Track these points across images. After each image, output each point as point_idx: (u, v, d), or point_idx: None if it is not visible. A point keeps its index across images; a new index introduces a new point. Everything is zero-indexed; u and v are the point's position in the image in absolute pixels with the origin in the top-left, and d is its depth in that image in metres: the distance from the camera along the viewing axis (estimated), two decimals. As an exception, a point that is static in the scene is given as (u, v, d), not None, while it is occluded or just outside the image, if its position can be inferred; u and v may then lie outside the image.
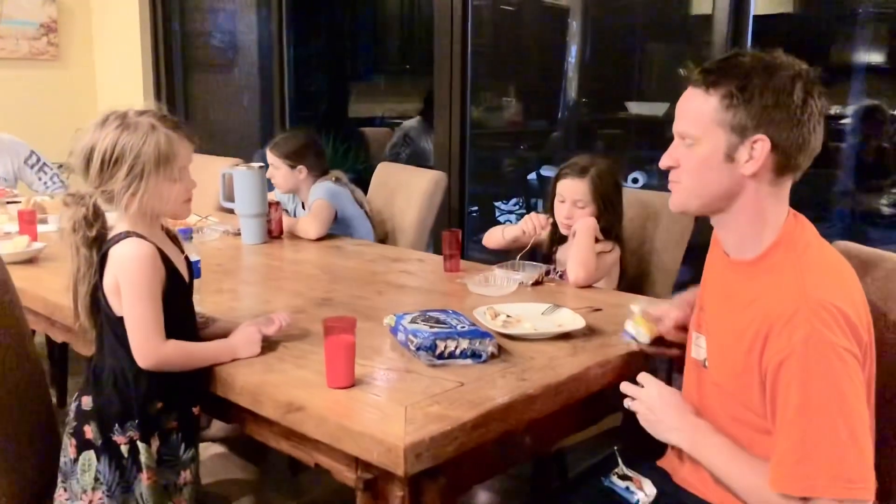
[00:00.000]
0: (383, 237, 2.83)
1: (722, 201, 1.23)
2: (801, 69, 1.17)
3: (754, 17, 2.52)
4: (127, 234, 1.33)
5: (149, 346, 1.32)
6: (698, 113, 1.20)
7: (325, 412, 1.20)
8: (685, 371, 1.42)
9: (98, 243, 1.37)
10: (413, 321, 1.46)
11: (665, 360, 1.55)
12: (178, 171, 1.35)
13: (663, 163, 1.27)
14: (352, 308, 1.73)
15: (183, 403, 1.39)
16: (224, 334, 1.46)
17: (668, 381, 1.51)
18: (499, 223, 4.76)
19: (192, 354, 1.37)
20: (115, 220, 1.38)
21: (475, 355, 1.39)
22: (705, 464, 1.26)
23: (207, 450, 1.73)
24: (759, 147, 1.17)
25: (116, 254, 1.32)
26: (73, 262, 1.38)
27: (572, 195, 2.05)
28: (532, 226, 2.12)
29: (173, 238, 1.46)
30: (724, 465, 1.23)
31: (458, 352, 1.38)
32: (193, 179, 1.41)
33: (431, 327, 1.43)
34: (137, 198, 1.31)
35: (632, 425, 1.52)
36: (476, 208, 4.37)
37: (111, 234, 1.36)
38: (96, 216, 1.36)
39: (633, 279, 2.17)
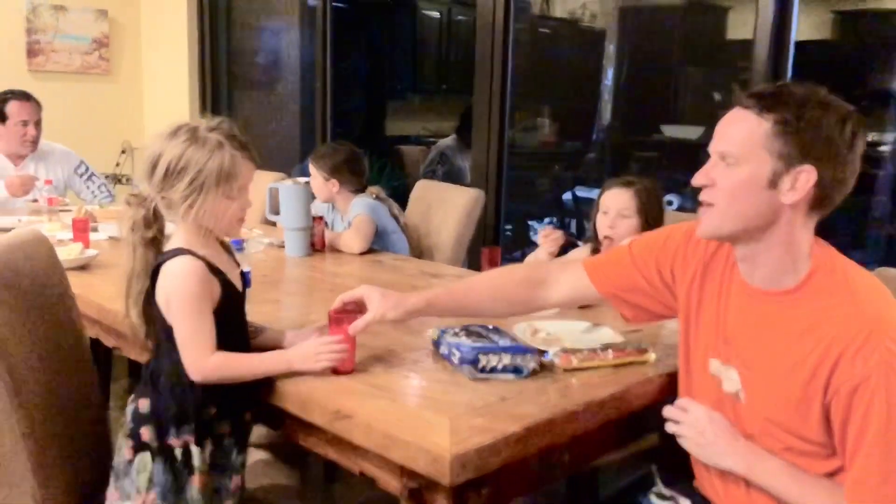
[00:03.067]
0: (419, 253, 2.87)
1: (756, 229, 1.22)
2: (851, 109, 1.18)
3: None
4: (179, 252, 1.37)
5: (199, 361, 1.35)
6: (746, 134, 1.19)
7: (373, 421, 1.23)
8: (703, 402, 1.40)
9: (155, 246, 1.41)
10: (456, 335, 1.49)
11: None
12: (236, 191, 1.39)
13: (697, 180, 1.25)
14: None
15: (236, 409, 1.42)
16: (273, 343, 1.50)
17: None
18: (532, 242, 4.79)
19: (241, 366, 1.38)
20: (173, 232, 1.42)
21: (517, 370, 1.41)
22: (765, 486, 1.25)
23: (251, 455, 1.77)
24: (804, 178, 1.17)
25: (167, 271, 1.36)
26: (129, 260, 1.41)
27: (616, 205, 2.03)
28: (550, 241, 2.11)
29: (227, 249, 1.51)
30: (786, 487, 1.22)
31: (500, 366, 1.40)
32: (250, 199, 1.44)
33: (474, 342, 1.46)
34: (194, 210, 1.36)
35: (669, 445, 1.53)
36: (510, 227, 4.40)
37: (166, 248, 1.40)
38: (155, 218, 1.40)
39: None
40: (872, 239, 3.32)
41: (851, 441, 1.14)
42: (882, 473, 1.12)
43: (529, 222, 4.85)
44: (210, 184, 1.35)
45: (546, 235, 2.13)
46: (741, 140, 1.20)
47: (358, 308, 1.45)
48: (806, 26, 3.51)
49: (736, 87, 1.21)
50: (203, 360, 1.35)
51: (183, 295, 1.35)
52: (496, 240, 3.33)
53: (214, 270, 1.39)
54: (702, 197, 1.26)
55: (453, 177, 4.41)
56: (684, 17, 4.18)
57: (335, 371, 1.39)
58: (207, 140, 1.37)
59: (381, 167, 4.98)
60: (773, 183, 1.18)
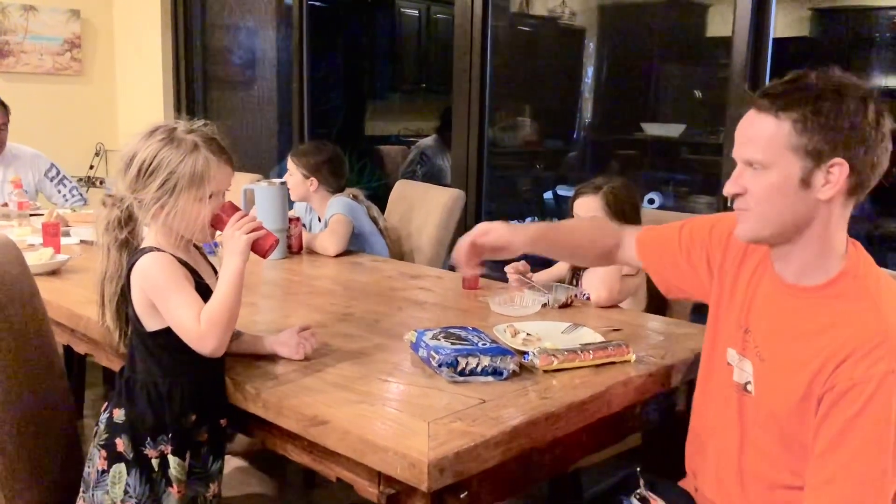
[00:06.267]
0: (399, 254, 2.85)
1: (795, 229, 1.19)
2: (868, 88, 1.15)
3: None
4: (146, 250, 1.35)
5: (198, 332, 1.30)
6: (769, 139, 1.16)
7: (349, 426, 1.21)
8: (705, 389, 1.40)
9: (128, 248, 1.39)
10: (434, 338, 1.47)
11: (686, 379, 1.55)
12: (209, 195, 1.35)
13: (728, 190, 1.22)
14: (372, 324, 1.74)
15: (213, 416, 1.39)
16: (252, 348, 1.48)
17: (688, 400, 1.51)
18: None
19: (220, 302, 1.31)
20: (146, 234, 1.39)
21: (496, 372, 1.39)
22: None
23: (227, 463, 1.74)
24: (838, 171, 1.14)
25: (137, 270, 1.34)
26: (102, 261, 1.40)
27: (587, 212, 2.05)
28: (514, 278, 2.04)
29: (202, 254, 1.48)
30: None
31: (479, 369, 1.38)
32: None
33: (453, 344, 1.44)
34: (164, 212, 1.33)
35: (652, 446, 1.51)
36: (491, 227, 4.38)
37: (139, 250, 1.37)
38: (129, 219, 1.38)
39: (656, 300, 2.16)
40: (853, 237, 3.34)
41: (826, 439, 1.13)
42: (860, 479, 1.10)
43: (511, 222, 4.83)
44: (182, 186, 1.33)
45: (510, 272, 2.07)
46: (764, 145, 1.16)
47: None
48: (784, 23, 3.51)
49: (746, 88, 1.18)
50: (200, 329, 1.30)
51: (157, 281, 1.32)
52: (477, 240, 3.30)
53: (187, 268, 1.36)
54: (736, 206, 1.23)
55: (434, 177, 4.39)
56: (664, 14, 4.18)
57: (260, 252, 1.37)
58: (183, 142, 1.34)
59: (360, 167, 4.95)
60: (806, 182, 1.15)
